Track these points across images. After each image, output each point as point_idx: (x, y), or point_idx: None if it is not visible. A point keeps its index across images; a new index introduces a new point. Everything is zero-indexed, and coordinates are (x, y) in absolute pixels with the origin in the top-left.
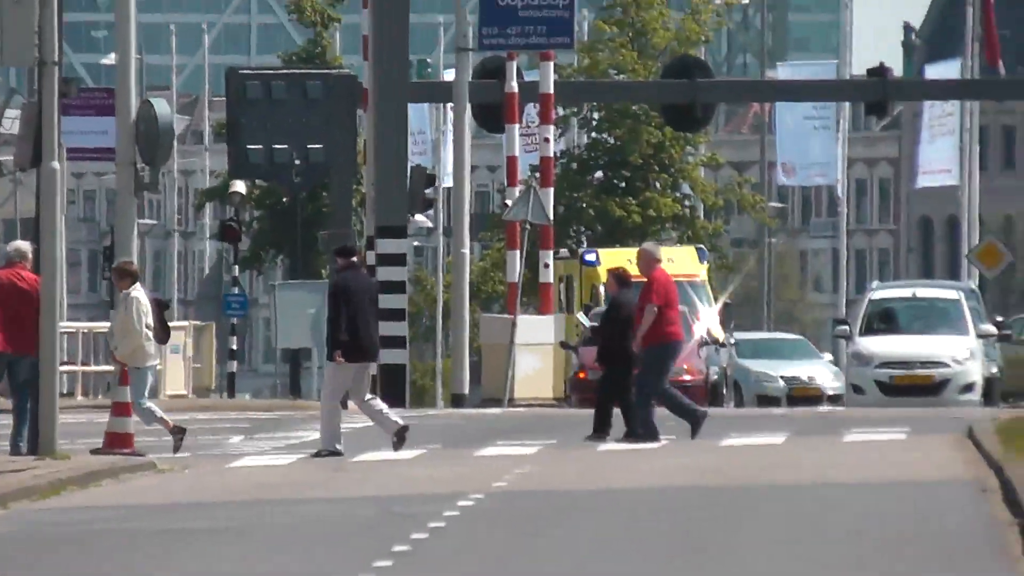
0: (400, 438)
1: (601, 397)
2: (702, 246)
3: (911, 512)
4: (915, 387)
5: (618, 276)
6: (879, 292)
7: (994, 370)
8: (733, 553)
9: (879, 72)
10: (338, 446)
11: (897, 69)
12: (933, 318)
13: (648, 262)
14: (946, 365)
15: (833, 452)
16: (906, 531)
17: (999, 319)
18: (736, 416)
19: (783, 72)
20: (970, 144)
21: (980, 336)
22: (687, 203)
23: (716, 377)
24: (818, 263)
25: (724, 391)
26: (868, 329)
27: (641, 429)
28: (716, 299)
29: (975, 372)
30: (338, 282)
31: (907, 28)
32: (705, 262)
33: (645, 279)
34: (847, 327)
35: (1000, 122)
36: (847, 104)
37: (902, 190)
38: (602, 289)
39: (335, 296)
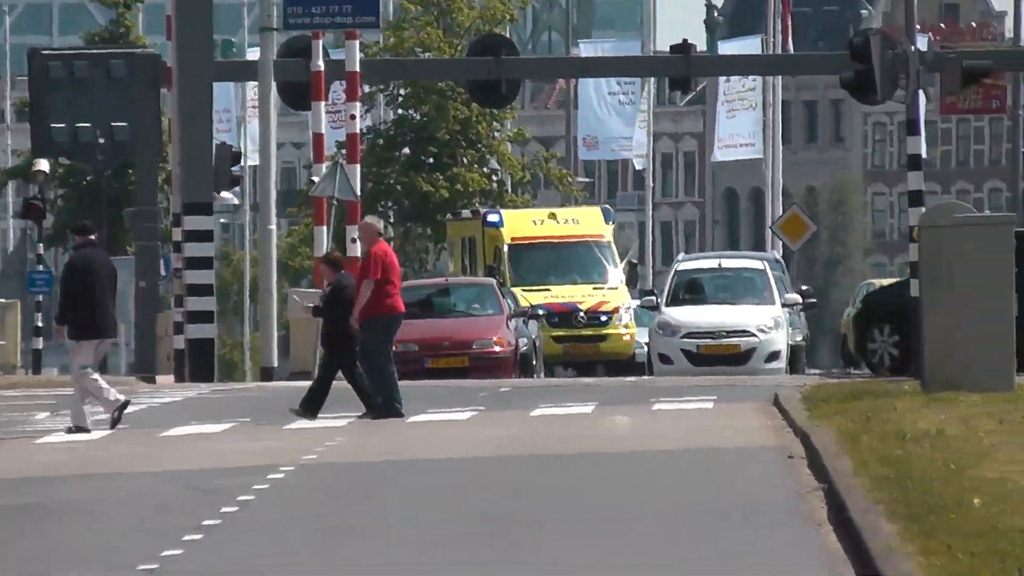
0: (120, 413)
1: (347, 380)
2: (608, 206)
3: (719, 479)
4: (722, 356)
5: (330, 262)
6: (685, 263)
7: (799, 339)
8: (543, 523)
9: (682, 48)
10: (93, 419)
11: (701, 45)
12: (739, 288)
13: (370, 236)
14: (752, 334)
15: (642, 421)
16: (714, 497)
17: (804, 288)
18: (546, 386)
19: (587, 49)
20: (773, 118)
21: (785, 305)
22: (495, 178)
23: (525, 349)
24: (625, 235)
25: (535, 362)
26: (675, 299)
27: (382, 402)
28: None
29: (780, 341)
30: (75, 259)
31: (709, 6)
32: (611, 222)
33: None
34: (654, 298)
35: (802, 97)
36: (651, 80)
37: (707, 163)
38: (504, 252)
39: (71, 272)
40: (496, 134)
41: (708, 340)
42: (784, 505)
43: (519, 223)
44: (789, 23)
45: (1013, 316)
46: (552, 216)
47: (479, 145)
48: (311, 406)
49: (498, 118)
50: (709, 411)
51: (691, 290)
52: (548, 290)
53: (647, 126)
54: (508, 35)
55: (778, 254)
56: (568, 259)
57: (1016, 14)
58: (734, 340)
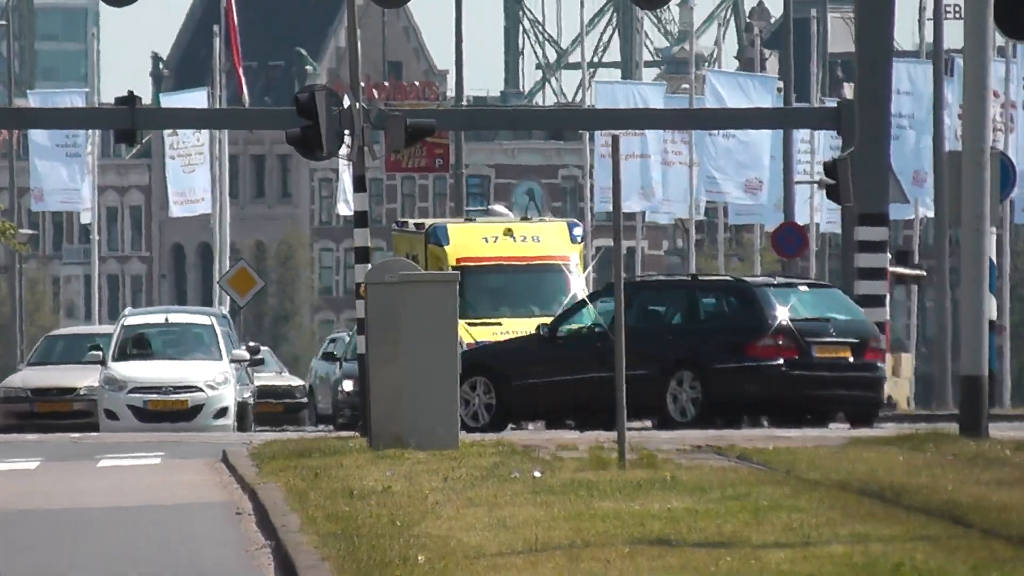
0: None
1: None
2: (576, 220)
3: (163, 536)
4: (169, 412)
5: None
6: (132, 318)
7: (247, 395)
8: None
9: (127, 100)
10: None
11: (147, 98)
12: (187, 343)
13: None
14: (200, 390)
15: (87, 477)
16: (157, 555)
17: (251, 344)
18: None
19: (34, 100)
20: (221, 173)
21: (233, 361)
22: None
23: None
24: (71, 289)
25: None
26: (122, 355)
27: None
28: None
29: (228, 397)
30: None
31: (156, 58)
32: (579, 241)
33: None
34: (100, 352)
35: (250, 152)
36: (97, 132)
37: (154, 217)
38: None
39: None
40: None
41: (155, 395)
42: (231, 562)
43: (468, 240)
44: (242, 76)
45: (456, 373)
46: (508, 232)
47: None
48: None
49: None
50: (156, 467)
51: (138, 345)
52: (499, 324)
53: (92, 179)
54: None
55: (226, 309)
56: (525, 285)
57: (458, 74)
58: (182, 396)
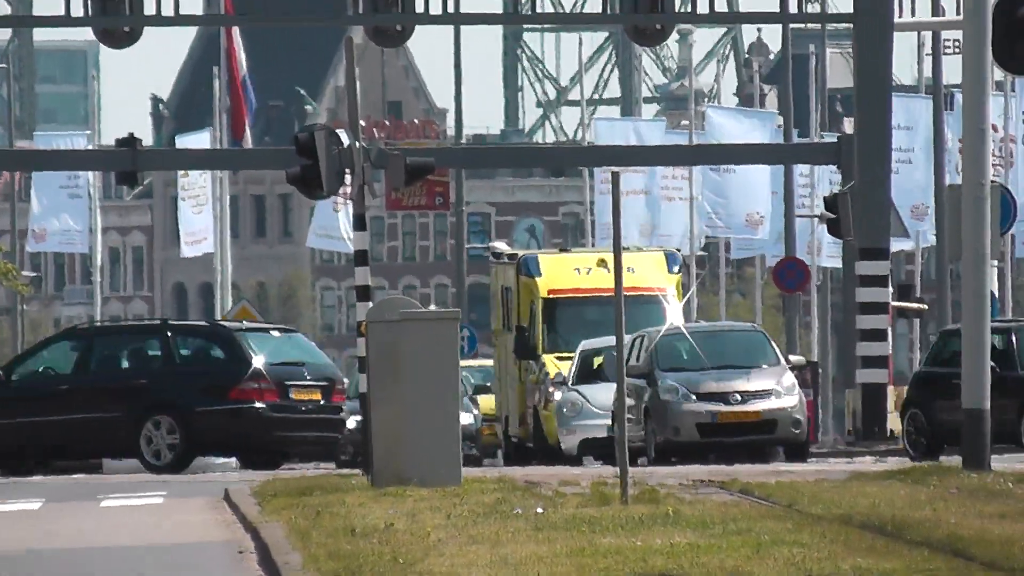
0: None
1: None
2: (674, 251)
3: None
4: None
5: None
6: None
7: None
8: None
9: (128, 142)
10: None
11: (148, 139)
12: None
13: None
14: None
15: (91, 517)
16: None
17: None
18: None
19: (37, 142)
20: (222, 213)
21: None
22: None
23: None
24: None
25: None
26: None
27: None
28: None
29: None
30: None
31: (155, 100)
32: (676, 270)
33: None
34: None
35: (251, 191)
36: (99, 173)
37: (156, 257)
38: (539, 308)
39: None
40: None
41: None
42: None
43: (559, 272)
44: (245, 116)
45: (458, 410)
46: (602, 263)
47: None
48: None
49: None
50: (159, 507)
51: None
52: None
53: (94, 220)
54: None
55: None
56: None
57: (458, 112)
58: None
